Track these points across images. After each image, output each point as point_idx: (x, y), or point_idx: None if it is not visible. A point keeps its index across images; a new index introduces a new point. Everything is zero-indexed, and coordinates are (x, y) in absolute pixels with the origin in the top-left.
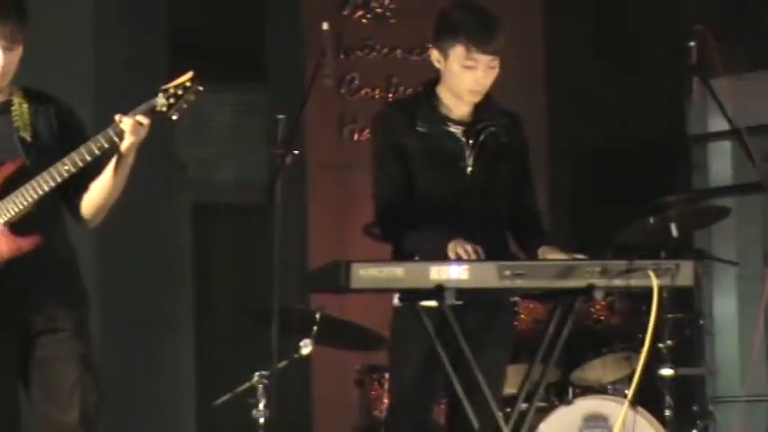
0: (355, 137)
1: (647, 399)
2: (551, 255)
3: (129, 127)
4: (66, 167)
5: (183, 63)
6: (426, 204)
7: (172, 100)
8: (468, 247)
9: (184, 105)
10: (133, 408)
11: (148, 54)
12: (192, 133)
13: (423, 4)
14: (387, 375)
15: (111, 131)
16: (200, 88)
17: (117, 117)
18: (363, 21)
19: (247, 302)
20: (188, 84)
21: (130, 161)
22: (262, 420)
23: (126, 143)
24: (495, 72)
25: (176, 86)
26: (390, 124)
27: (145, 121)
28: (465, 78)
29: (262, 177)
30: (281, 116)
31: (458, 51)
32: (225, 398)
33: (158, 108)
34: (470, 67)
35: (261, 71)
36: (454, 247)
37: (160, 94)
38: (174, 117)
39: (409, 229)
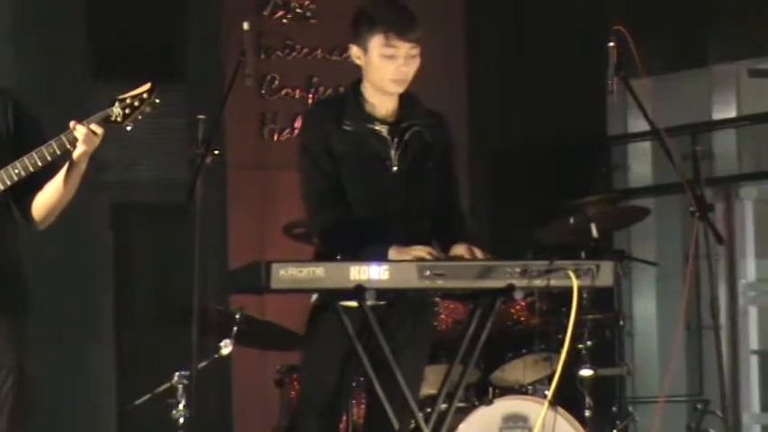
0: (275, 137)
1: (567, 399)
2: (460, 251)
3: (82, 136)
4: (17, 171)
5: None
6: (352, 203)
7: (127, 110)
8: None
9: (139, 117)
10: (54, 407)
11: (67, 54)
12: (110, 134)
13: (343, 4)
14: None
15: (64, 137)
16: (157, 101)
17: (72, 124)
18: (284, 21)
19: (167, 303)
20: (145, 95)
21: (82, 168)
22: (182, 420)
23: (78, 151)
24: (416, 63)
25: (133, 97)
26: (318, 123)
27: (98, 130)
28: (386, 68)
29: (181, 177)
30: (200, 116)
31: (377, 41)
32: (145, 398)
33: (113, 118)
34: (391, 55)
35: (180, 71)
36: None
37: (116, 104)
38: (129, 128)
39: (346, 225)
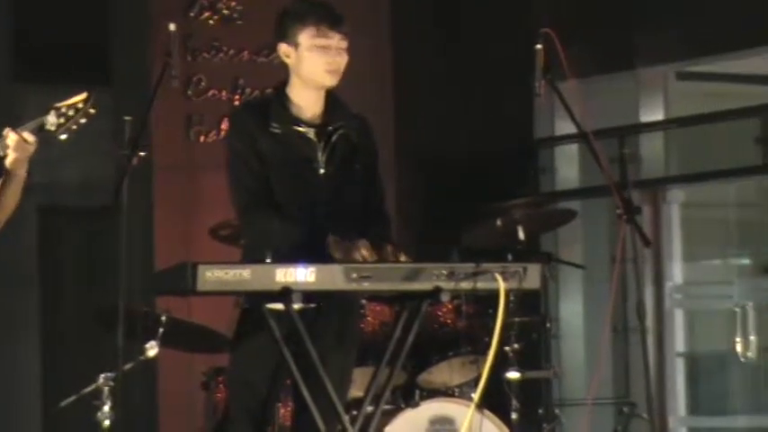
0: (201, 138)
1: (494, 402)
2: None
3: (13, 143)
4: None
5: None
6: (281, 205)
7: (62, 120)
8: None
9: (74, 127)
10: None
11: None
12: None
13: (269, 6)
14: None
15: None
16: (92, 110)
17: (5, 131)
18: (210, 22)
19: (93, 304)
20: (80, 105)
21: (20, 174)
22: (107, 422)
23: (10, 158)
24: (346, 57)
25: (68, 106)
26: (245, 126)
27: (30, 138)
28: (319, 60)
29: (108, 179)
30: (127, 117)
31: (309, 33)
32: (70, 399)
33: (47, 126)
34: (324, 46)
35: (106, 72)
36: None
37: (52, 112)
38: (63, 137)
39: (276, 225)
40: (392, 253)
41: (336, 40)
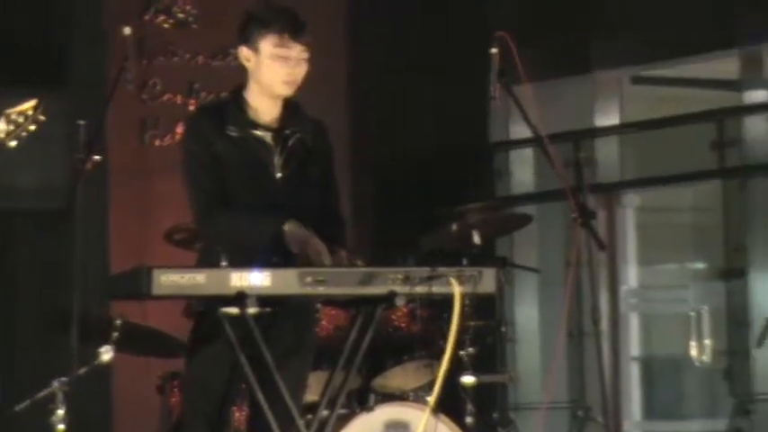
0: (157, 142)
1: (449, 406)
2: (338, 257)
3: None
4: None
5: None
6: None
7: (11, 127)
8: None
9: (23, 134)
10: None
11: None
12: None
13: (224, 10)
14: None
15: None
16: (42, 117)
17: None
18: (165, 26)
19: (48, 308)
20: (30, 112)
21: None
22: (61, 427)
23: None
24: (306, 67)
25: (18, 113)
26: (202, 129)
27: None
28: (278, 70)
29: (63, 182)
30: (81, 121)
31: (270, 41)
32: (24, 404)
33: None
34: (283, 56)
35: (61, 75)
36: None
37: (1, 119)
38: (12, 144)
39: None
40: (347, 257)
41: (297, 51)
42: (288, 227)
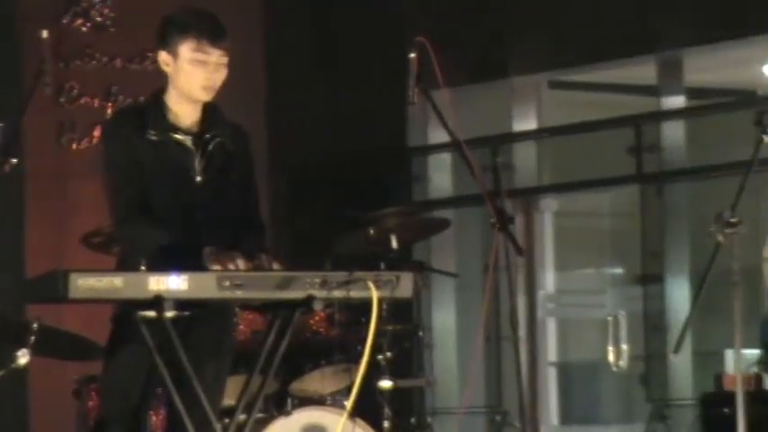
0: (74, 146)
1: (366, 410)
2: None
3: None
4: None
5: None
6: (158, 213)
7: None
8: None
9: None
10: None
11: None
12: None
13: (142, 13)
14: None
15: None
16: None
17: None
18: (83, 29)
19: None
20: None
21: None
22: None
23: None
24: (225, 72)
25: None
26: (121, 133)
27: None
28: (196, 75)
29: None
30: None
31: (189, 46)
32: None
33: None
34: (202, 61)
35: None
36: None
37: None
38: None
39: (153, 234)
40: (266, 261)
41: (216, 56)
42: (207, 252)
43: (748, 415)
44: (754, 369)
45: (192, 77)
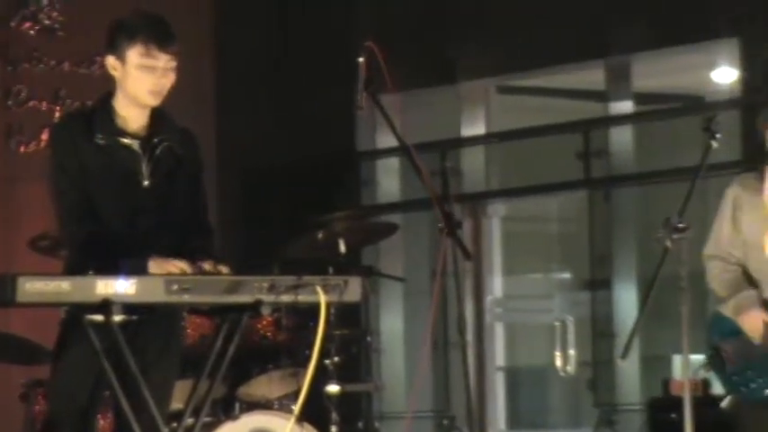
0: (21, 149)
1: (314, 414)
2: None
3: None
4: None
5: None
6: (104, 217)
7: None
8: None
9: None
10: None
11: None
12: None
13: (91, 17)
14: None
15: None
16: None
17: None
18: (31, 33)
19: None
20: None
21: None
22: None
23: None
24: (173, 76)
25: None
26: (68, 136)
27: None
28: (144, 80)
29: None
30: None
31: (136, 51)
32: None
33: None
34: (149, 67)
35: None
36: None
37: None
38: None
39: (100, 239)
40: (212, 267)
41: (164, 61)
42: (152, 265)
43: (695, 420)
44: (702, 373)
45: (140, 83)
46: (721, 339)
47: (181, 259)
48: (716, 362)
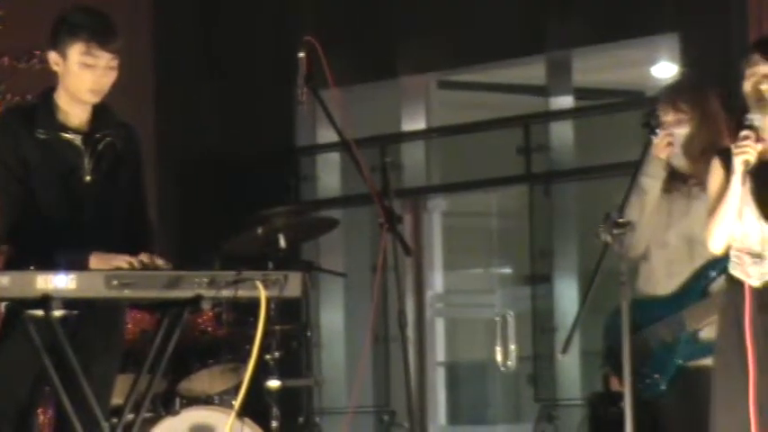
0: None
1: (255, 410)
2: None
3: None
4: None
5: None
6: (45, 212)
7: None
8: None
9: None
10: None
11: None
12: None
13: (32, 12)
14: None
15: None
16: None
17: None
18: None
19: None
20: None
21: None
22: None
23: None
24: (115, 74)
25: None
26: (9, 131)
27: None
28: (85, 78)
29: None
30: None
31: (78, 49)
32: None
33: None
34: (90, 65)
35: None
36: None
37: None
38: None
39: (40, 234)
40: (150, 260)
41: (106, 60)
42: (93, 261)
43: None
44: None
45: (81, 80)
46: (615, 340)
47: (122, 254)
48: (612, 362)
